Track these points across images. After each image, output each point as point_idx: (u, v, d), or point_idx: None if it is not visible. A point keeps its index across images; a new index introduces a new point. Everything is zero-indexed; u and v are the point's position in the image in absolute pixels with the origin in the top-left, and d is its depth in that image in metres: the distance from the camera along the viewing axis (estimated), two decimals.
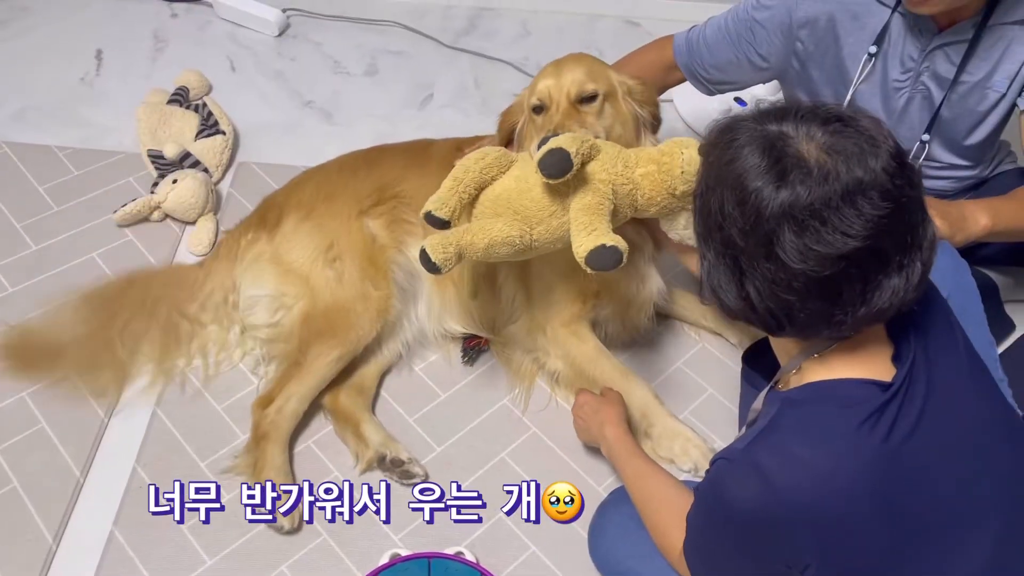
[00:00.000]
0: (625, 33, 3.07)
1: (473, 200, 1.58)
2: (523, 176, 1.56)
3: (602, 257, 1.42)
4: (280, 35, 2.99)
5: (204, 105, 2.53)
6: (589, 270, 1.43)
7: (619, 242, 1.43)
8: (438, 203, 1.55)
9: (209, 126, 2.46)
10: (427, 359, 2.03)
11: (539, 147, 1.49)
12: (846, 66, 1.75)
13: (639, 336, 2.01)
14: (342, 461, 1.82)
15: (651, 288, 1.85)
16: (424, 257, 1.53)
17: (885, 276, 1.02)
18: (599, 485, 1.77)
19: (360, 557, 1.66)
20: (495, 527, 1.72)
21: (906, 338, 1.12)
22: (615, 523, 1.55)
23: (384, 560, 1.61)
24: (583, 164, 1.49)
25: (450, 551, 1.64)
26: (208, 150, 2.40)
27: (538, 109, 1.68)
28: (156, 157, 2.37)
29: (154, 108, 2.49)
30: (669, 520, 1.38)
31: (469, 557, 1.63)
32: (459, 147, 1.97)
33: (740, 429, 1.35)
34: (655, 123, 1.75)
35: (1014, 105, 1.68)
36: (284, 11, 3.01)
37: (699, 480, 1.58)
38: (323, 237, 1.89)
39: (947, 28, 1.64)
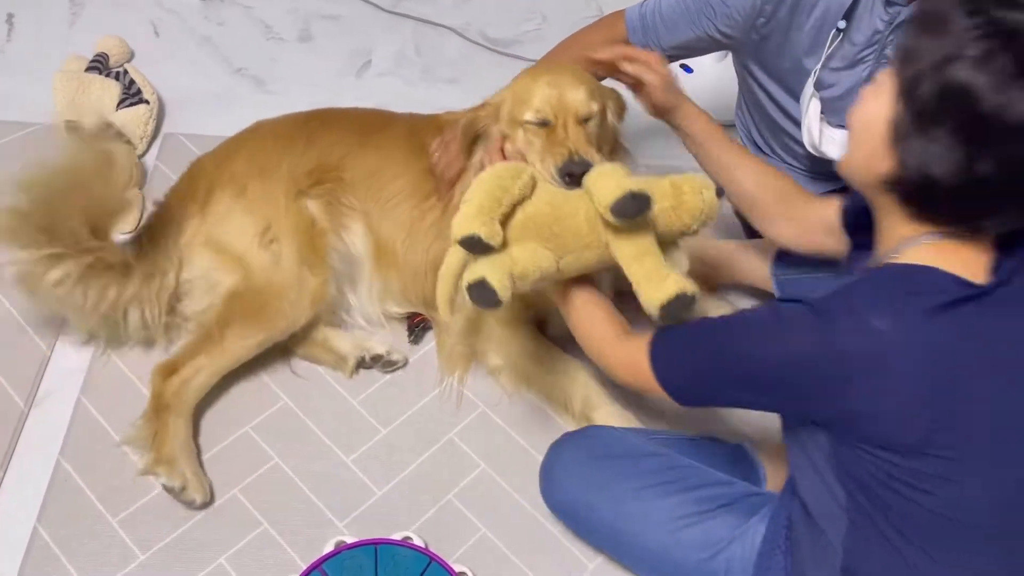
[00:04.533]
0: None
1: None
2: (557, 201, 1.44)
3: (682, 304, 1.33)
4: None
5: (125, 72, 2.39)
6: (661, 321, 1.35)
7: (695, 288, 1.35)
8: (483, 226, 1.35)
9: (131, 95, 2.32)
10: (370, 338, 1.96)
11: (562, 173, 1.50)
12: (811, 38, 1.71)
13: None
14: (281, 447, 1.75)
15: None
16: (483, 289, 1.34)
17: None
18: None
19: (304, 546, 1.60)
20: (443, 510, 1.68)
21: (1011, 255, 1.15)
22: (566, 459, 1.56)
23: (328, 548, 1.56)
24: None
25: (397, 536, 1.59)
26: (131, 121, 2.27)
27: (539, 124, 1.60)
28: (75, 129, 2.22)
29: (72, 76, 2.34)
30: (601, 328, 1.45)
31: (417, 542, 1.58)
32: (413, 132, 1.88)
33: None
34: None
35: None
36: None
37: None
38: (259, 217, 1.79)
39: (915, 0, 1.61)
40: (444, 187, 1.80)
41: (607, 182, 1.35)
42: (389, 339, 1.91)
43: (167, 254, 1.79)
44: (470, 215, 1.36)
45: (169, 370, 1.71)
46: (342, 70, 2.66)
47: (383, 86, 2.60)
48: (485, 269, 1.35)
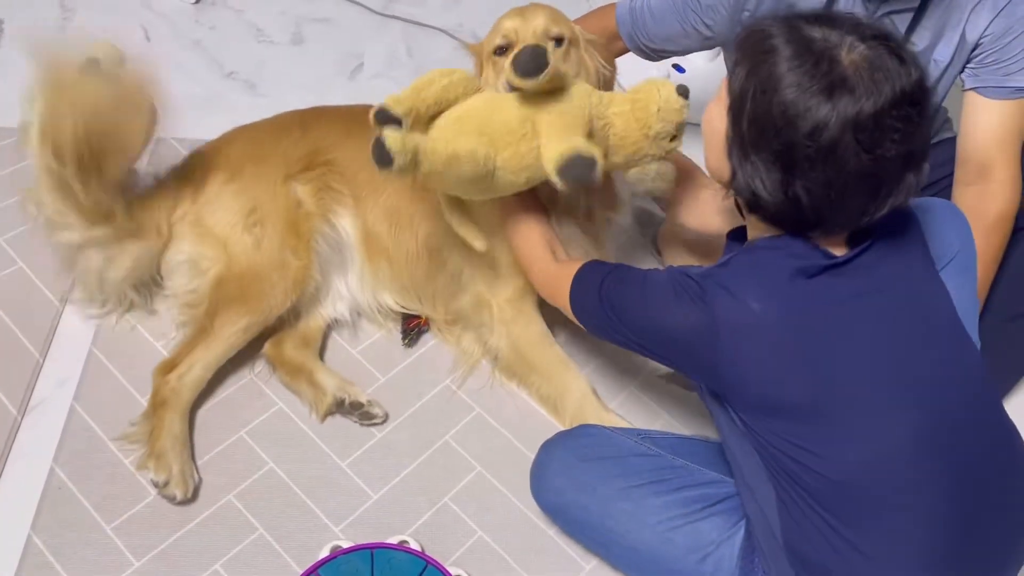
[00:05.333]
0: None
1: (432, 118, 1.48)
2: (492, 99, 1.49)
3: (575, 166, 1.35)
4: (197, 2, 2.82)
5: None
6: (560, 183, 1.37)
7: (597, 153, 1.36)
8: (393, 99, 1.44)
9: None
10: (366, 340, 1.96)
11: (510, 67, 1.46)
12: None
13: None
14: (276, 452, 1.74)
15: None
16: (379, 147, 1.37)
17: (911, 172, 1.18)
18: None
19: (299, 551, 1.59)
20: (440, 513, 1.67)
21: (867, 233, 1.23)
22: (558, 459, 1.56)
23: (324, 553, 1.55)
24: (556, 89, 1.41)
25: (394, 540, 1.58)
26: None
27: (501, 50, 1.61)
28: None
29: None
30: (539, 249, 1.60)
31: (414, 546, 1.58)
32: None
33: None
34: (608, 86, 1.71)
35: (957, 76, 1.67)
36: None
37: None
38: (246, 200, 1.81)
39: None
40: None
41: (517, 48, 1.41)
42: (354, 436, 1.78)
43: (158, 223, 1.81)
44: (388, 96, 1.44)
45: (168, 367, 1.73)
46: (334, 72, 2.65)
47: (375, 88, 2.59)
48: (389, 132, 1.39)
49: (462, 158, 1.43)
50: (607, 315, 1.38)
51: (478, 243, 1.64)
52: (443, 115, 1.49)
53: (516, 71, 1.38)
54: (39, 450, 1.70)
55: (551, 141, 1.39)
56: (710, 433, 1.69)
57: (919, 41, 1.64)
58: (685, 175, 1.85)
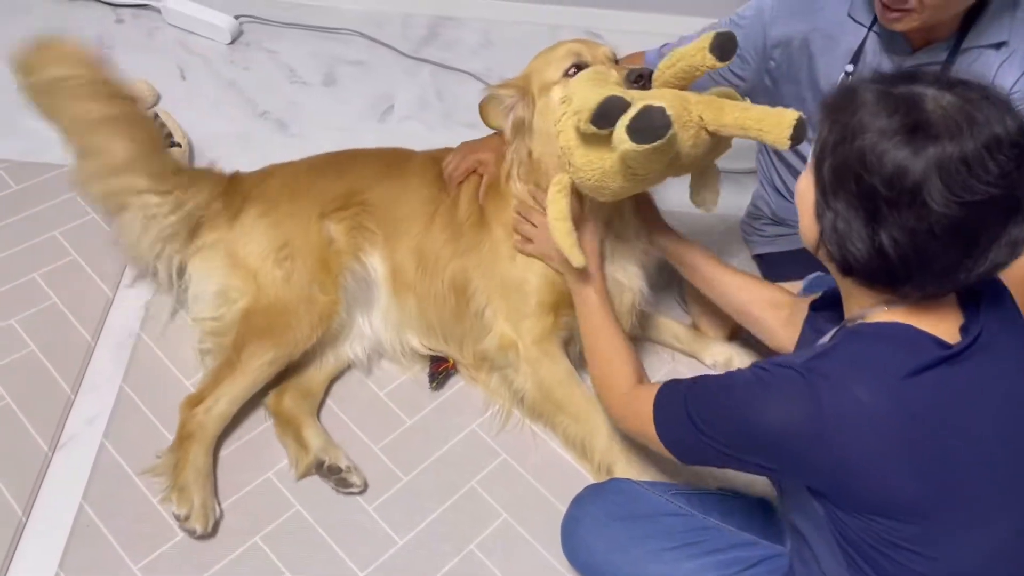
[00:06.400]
0: None
1: None
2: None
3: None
4: (233, 43, 2.88)
5: (156, 116, 2.42)
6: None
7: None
8: (614, 88, 1.48)
9: (163, 137, 2.35)
10: (392, 383, 1.96)
11: (631, 78, 1.51)
12: (820, 85, 1.73)
13: None
14: (303, 494, 1.74)
15: (631, 297, 1.82)
16: (659, 115, 1.33)
17: (1014, 224, 1.09)
18: None
19: None
20: (465, 561, 1.66)
21: (976, 314, 1.16)
22: (590, 516, 1.54)
23: None
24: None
25: None
26: None
27: (574, 70, 1.64)
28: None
29: None
30: (616, 367, 1.53)
31: None
32: (434, 158, 1.92)
33: None
34: None
35: None
36: (237, 17, 2.91)
37: None
38: (279, 235, 1.84)
39: (921, 48, 1.63)
40: (452, 184, 1.87)
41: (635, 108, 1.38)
42: (378, 480, 1.76)
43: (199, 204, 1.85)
44: (586, 90, 1.46)
45: (195, 400, 1.75)
46: (364, 114, 2.69)
47: (404, 130, 2.64)
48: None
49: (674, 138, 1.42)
50: (698, 434, 1.26)
51: (576, 257, 1.57)
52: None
53: (634, 138, 1.34)
54: (69, 487, 1.71)
55: (761, 115, 1.42)
56: (737, 483, 1.68)
57: None
58: None
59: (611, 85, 1.49)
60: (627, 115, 1.36)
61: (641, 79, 1.53)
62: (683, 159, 1.49)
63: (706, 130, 1.47)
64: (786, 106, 1.80)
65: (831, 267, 1.22)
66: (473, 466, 1.81)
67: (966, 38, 1.59)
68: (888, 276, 1.14)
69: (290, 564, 1.63)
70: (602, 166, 1.46)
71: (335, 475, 1.72)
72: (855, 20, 1.67)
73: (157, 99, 2.58)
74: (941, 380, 1.11)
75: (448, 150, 1.96)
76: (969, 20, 1.59)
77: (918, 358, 1.11)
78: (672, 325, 2.07)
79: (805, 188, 1.21)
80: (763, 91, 1.85)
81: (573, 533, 1.56)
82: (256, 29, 2.95)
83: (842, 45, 1.69)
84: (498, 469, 1.82)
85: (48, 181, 2.31)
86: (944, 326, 1.16)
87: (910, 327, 1.15)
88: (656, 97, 1.43)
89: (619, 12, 3.07)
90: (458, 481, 1.79)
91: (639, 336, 2.03)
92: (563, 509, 1.65)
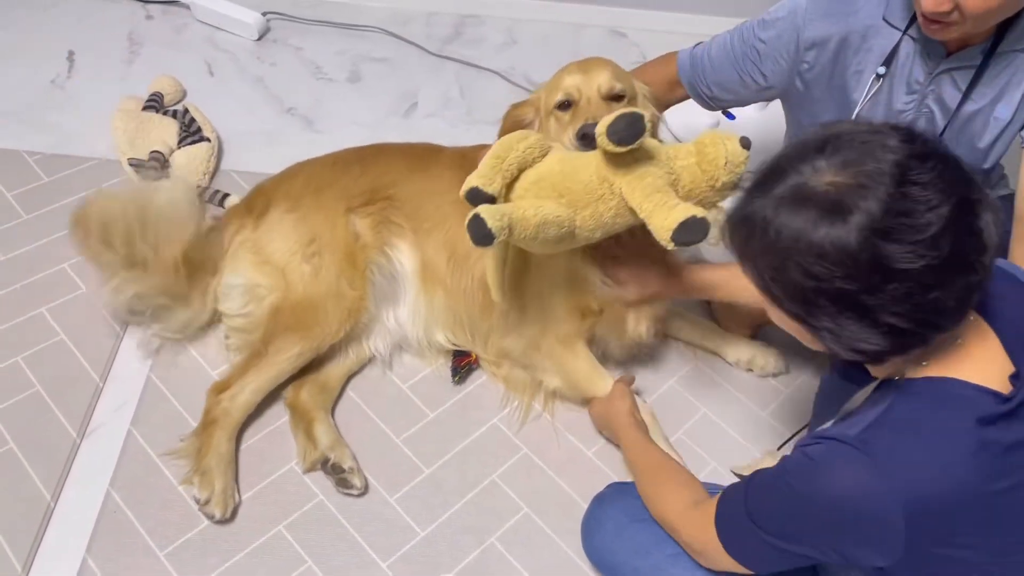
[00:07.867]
0: (610, 43, 3.04)
1: (513, 181, 1.52)
2: (568, 159, 1.52)
3: (692, 230, 1.36)
4: (260, 39, 2.92)
5: (186, 111, 2.45)
6: (672, 246, 1.37)
7: (705, 212, 1.37)
8: (483, 179, 1.48)
9: (191, 133, 2.39)
10: (415, 376, 1.97)
11: (578, 136, 1.53)
12: (850, 87, 1.72)
13: (637, 352, 1.97)
14: (326, 483, 1.75)
15: (653, 306, 1.82)
16: (477, 223, 1.38)
17: (972, 217, 1.02)
18: None
19: None
20: (486, 553, 1.67)
21: (1021, 355, 1.11)
22: (612, 518, 1.54)
23: None
24: (634, 148, 1.43)
25: None
26: (194, 158, 2.32)
27: (564, 105, 1.66)
28: (138, 165, 2.28)
29: (130, 115, 2.41)
30: (669, 488, 1.46)
31: None
32: (464, 155, 1.93)
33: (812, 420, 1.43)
34: (654, 133, 1.74)
35: (1016, 135, 1.67)
36: (264, 14, 2.94)
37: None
38: (306, 231, 1.86)
39: (956, 52, 1.62)
40: None
41: (607, 117, 1.41)
42: (400, 472, 1.80)
43: (213, 263, 1.89)
44: (474, 174, 1.48)
45: (222, 387, 1.78)
46: (389, 111, 2.71)
47: (428, 127, 2.65)
48: (483, 208, 1.41)
49: (550, 223, 1.46)
50: (761, 536, 1.20)
51: (496, 294, 1.69)
52: (521, 176, 1.52)
53: (612, 137, 1.39)
54: (96, 474, 1.73)
55: (659, 211, 1.40)
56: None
57: (979, 99, 1.65)
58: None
59: (503, 168, 1.50)
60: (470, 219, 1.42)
61: (586, 139, 1.55)
62: (605, 228, 1.52)
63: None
64: (815, 112, 1.82)
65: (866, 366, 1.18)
66: (494, 460, 1.82)
67: (1002, 42, 1.58)
68: (917, 339, 1.07)
69: (313, 553, 1.64)
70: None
71: (337, 474, 1.72)
72: (890, 24, 1.66)
73: (183, 95, 2.61)
74: (1001, 434, 1.05)
75: (481, 147, 1.96)
76: (1005, 23, 1.58)
77: (974, 413, 1.05)
78: (695, 323, 2.07)
79: (780, 320, 1.15)
80: (794, 94, 1.83)
81: (594, 533, 1.56)
82: (283, 26, 2.98)
83: (875, 47, 1.68)
84: (519, 463, 1.82)
85: (77, 174, 2.34)
86: (990, 371, 1.09)
87: (965, 384, 1.08)
88: (534, 192, 1.50)
89: (643, 11, 3.07)
90: (479, 474, 1.80)
91: (662, 335, 2.03)
92: (584, 504, 1.66)
